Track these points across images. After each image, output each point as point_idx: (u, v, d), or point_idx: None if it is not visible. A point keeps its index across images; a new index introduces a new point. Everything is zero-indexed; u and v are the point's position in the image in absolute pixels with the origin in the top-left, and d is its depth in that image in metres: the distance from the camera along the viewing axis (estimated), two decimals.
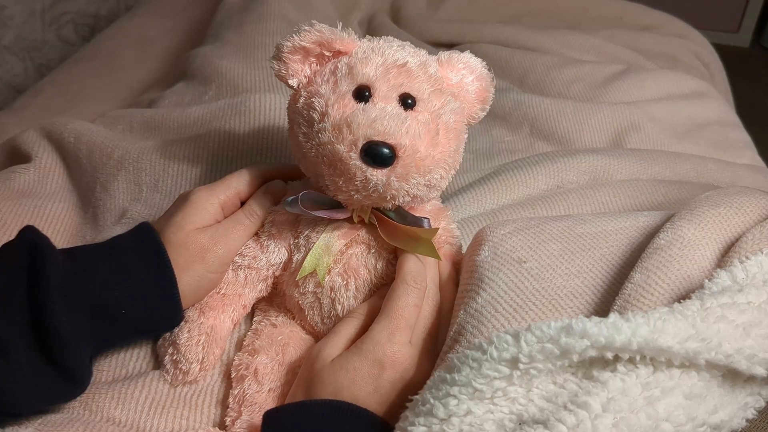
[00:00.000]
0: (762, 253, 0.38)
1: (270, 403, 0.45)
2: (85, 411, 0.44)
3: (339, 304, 0.46)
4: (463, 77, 0.46)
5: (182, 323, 0.46)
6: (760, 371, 0.33)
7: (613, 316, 0.33)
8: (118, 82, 0.95)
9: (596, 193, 0.62)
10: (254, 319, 0.50)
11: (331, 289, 0.46)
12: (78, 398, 0.44)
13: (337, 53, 0.44)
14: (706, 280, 0.37)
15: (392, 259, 0.46)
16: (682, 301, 0.35)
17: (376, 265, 0.46)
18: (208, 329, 0.46)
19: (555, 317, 0.40)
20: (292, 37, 0.43)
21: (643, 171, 0.68)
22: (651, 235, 0.44)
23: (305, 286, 0.46)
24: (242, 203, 0.49)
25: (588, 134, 0.79)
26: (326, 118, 0.40)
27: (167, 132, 0.68)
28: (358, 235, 0.46)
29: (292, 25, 0.83)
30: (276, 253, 0.47)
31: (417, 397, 0.36)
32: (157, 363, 0.47)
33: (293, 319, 0.49)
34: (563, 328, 0.33)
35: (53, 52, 1.20)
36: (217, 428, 0.45)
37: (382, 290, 0.46)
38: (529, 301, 0.41)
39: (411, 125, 0.40)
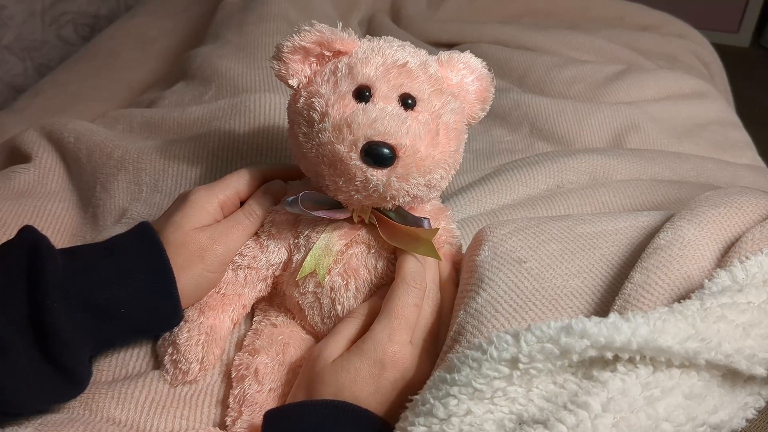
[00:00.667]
0: (762, 253, 0.38)
1: (270, 403, 0.45)
2: (85, 411, 0.44)
3: (339, 304, 0.46)
4: (464, 77, 0.46)
5: (182, 323, 0.46)
6: (760, 371, 0.33)
7: (612, 316, 0.33)
8: (118, 82, 0.95)
9: (596, 193, 0.62)
10: (254, 318, 0.50)
11: (331, 289, 0.46)
12: (78, 398, 0.44)
13: (338, 53, 0.44)
14: (706, 280, 0.37)
15: (392, 259, 0.46)
16: (682, 301, 0.35)
17: (376, 265, 0.46)
18: (208, 329, 0.46)
19: (555, 317, 0.40)
20: (293, 37, 0.43)
21: (643, 171, 0.68)
22: (651, 235, 0.44)
23: (305, 286, 0.46)
24: (242, 203, 0.49)
25: (588, 134, 0.79)
26: (326, 118, 0.40)
27: (167, 132, 0.68)
28: (358, 235, 0.46)
29: (292, 25, 0.83)
30: (276, 253, 0.47)
31: (417, 397, 0.36)
32: (157, 363, 0.47)
33: (293, 319, 0.49)
34: (563, 328, 0.33)
35: (53, 52, 1.20)
36: (217, 428, 0.45)
37: (382, 290, 0.46)
38: (529, 301, 0.41)
39: (411, 125, 0.40)
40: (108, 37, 1.06)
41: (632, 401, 0.31)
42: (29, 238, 0.42)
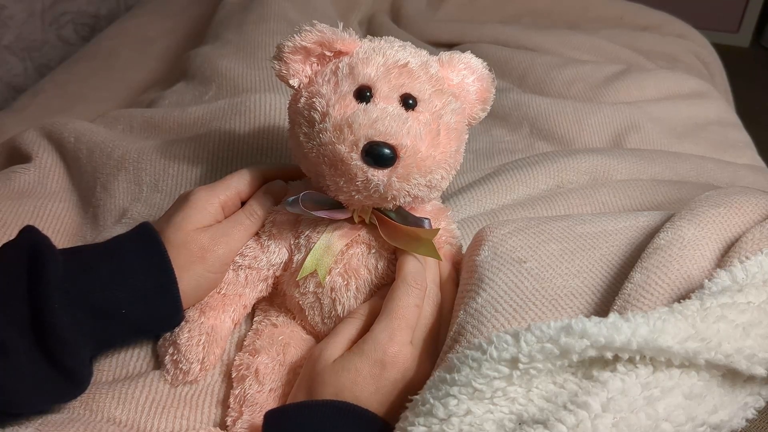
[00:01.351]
0: (762, 253, 0.38)
1: (271, 404, 0.45)
2: (86, 411, 0.44)
3: (339, 304, 0.46)
4: (464, 78, 0.46)
5: (182, 323, 0.46)
6: (760, 371, 0.33)
7: (612, 316, 0.33)
8: (118, 82, 0.95)
9: (596, 193, 0.62)
10: (255, 319, 0.50)
11: (332, 289, 0.46)
12: (78, 398, 0.44)
13: (338, 53, 0.44)
14: (706, 280, 0.37)
15: (393, 260, 0.46)
16: (682, 301, 0.36)
17: (376, 266, 0.46)
18: (209, 329, 0.46)
19: (555, 317, 0.40)
20: (293, 37, 0.43)
21: (643, 171, 0.68)
22: (651, 235, 0.44)
23: (306, 287, 0.46)
24: (243, 203, 0.49)
25: (588, 134, 0.79)
26: (327, 119, 0.40)
27: (167, 132, 0.68)
28: (359, 235, 0.46)
29: (292, 24, 0.83)
30: (276, 253, 0.47)
31: (417, 397, 0.36)
32: (158, 363, 0.47)
33: (294, 319, 0.49)
34: (563, 328, 0.33)
35: (53, 52, 1.20)
36: (217, 428, 0.45)
37: (382, 291, 0.46)
38: (529, 301, 0.41)
39: (412, 126, 0.40)
40: (108, 37, 1.06)
41: (632, 401, 0.31)
42: (30, 238, 0.42)
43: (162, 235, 0.44)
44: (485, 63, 0.47)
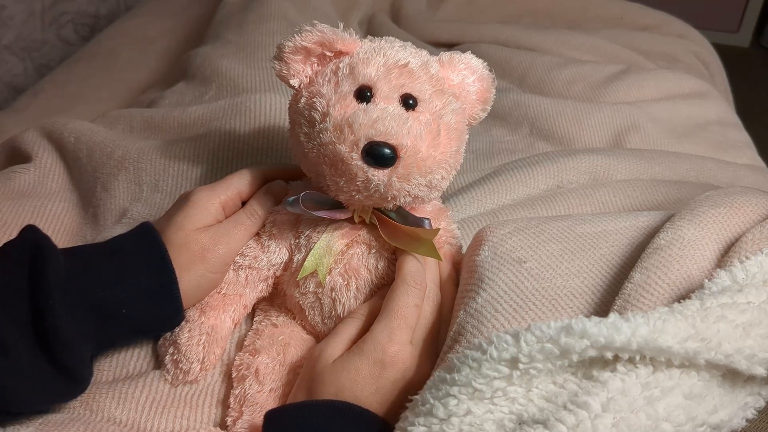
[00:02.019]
0: (762, 253, 0.38)
1: (271, 403, 0.45)
2: (86, 411, 0.44)
3: (340, 304, 0.46)
4: (465, 78, 0.46)
5: (183, 323, 0.46)
6: (760, 371, 0.33)
7: (612, 316, 0.33)
8: (118, 82, 0.95)
9: (596, 193, 0.62)
10: (255, 319, 0.50)
11: (332, 289, 0.46)
12: (79, 398, 0.44)
13: (339, 53, 0.44)
14: (706, 280, 0.37)
15: (393, 260, 0.46)
16: (682, 301, 0.36)
17: (377, 266, 0.46)
18: (209, 329, 0.46)
19: (555, 317, 0.40)
20: (294, 37, 0.43)
21: (643, 171, 0.68)
22: (651, 235, 0.44)
23: (306, 286, 0.46)
24: (243, 203, 0.49)
25: (588, 134, 0.79)
26: (328, 119, 0.40)
27: (167, 132, 0.68)
28: (359, 235, 0.46)
29: (292, 24, 0.83)
30: (277, 253, 0.47)
31: (417, 397, 0.36)
32: (158, 363, 0.47)
33: (294, 319, 0.49)
34: (563, 328, 0.33)
35: (53, 52, 1.20)
36: (218, 428, 0.45)
37: (382, 291, 0.46)
38: (529, 301, 0.41)
39: (412, 126, 0.40)
40: (108, 37, 1.06)
41: (632, 401, 0.31)
42: (31, 237, 0.42)
43: (162, 235, 0.45)
44: (485, 63, 0.47)
